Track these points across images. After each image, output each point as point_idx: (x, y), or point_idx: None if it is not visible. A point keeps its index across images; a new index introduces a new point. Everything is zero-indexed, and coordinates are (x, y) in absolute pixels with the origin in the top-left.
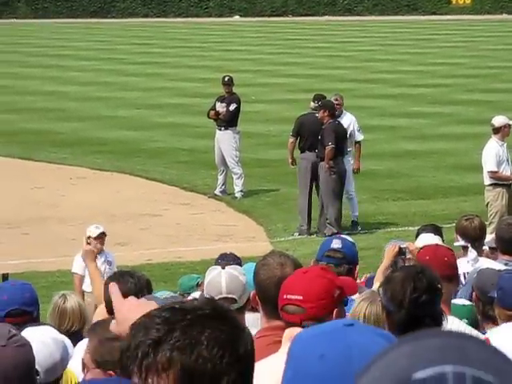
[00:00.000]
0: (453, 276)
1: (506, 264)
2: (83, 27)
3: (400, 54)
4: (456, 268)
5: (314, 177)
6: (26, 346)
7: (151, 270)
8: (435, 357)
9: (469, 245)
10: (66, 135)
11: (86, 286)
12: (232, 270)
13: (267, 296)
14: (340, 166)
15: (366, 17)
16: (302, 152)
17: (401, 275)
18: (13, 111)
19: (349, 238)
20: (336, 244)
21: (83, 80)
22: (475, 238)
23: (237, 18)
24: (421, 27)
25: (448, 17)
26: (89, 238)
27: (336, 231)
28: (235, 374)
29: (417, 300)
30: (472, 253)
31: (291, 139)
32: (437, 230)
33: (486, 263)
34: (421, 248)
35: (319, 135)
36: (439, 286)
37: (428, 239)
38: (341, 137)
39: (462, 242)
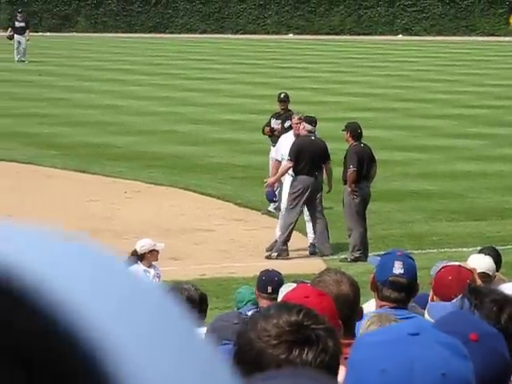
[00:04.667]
0: None
1: None
2: (142, 42)
3: (457, 75)
4: None
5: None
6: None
7: (204, 285)
8: None
9: None
10: (122, 149)
11: None
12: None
13: None
14: (363, 189)
15: (423, 37)
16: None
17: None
18: (70, 124)
19: (409, 256)
20: (399, 269)
21: (141, 94)
22: None
23: (290, 35)
24: (479, 48)
25: (506, 38)
26: (151, 251)
27: (358, 256)
28: None
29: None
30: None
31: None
32: (494, 252)
33: None
34: (442, 267)
35: (317, 157)
36: None
37: (478, 259)
38: (364, 159)
39: None
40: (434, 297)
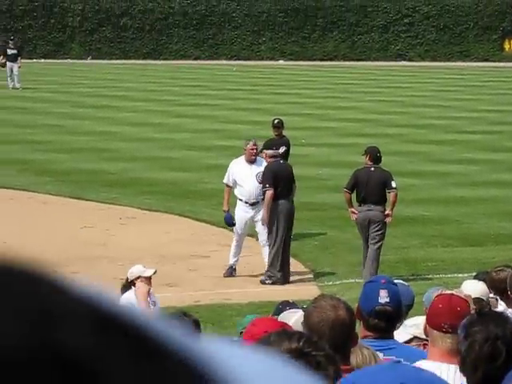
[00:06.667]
0: None
1: None
2: (136, 68)
3: (451, 100)
4: None
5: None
6: None
7: (199, 312)
8: None
9: (497, 297)
10: (116, 175)
11: None
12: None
13: (324, 338)
14: (360, 213)
15: (417, 62)
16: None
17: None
18: (64, 151)
19: (393, 283)
20: (384, 298)
21: (135, 121)
22: (502, 290)
23: (281, 61)
24: (473, 74)
25: (501, 64)
26: (139, 277)
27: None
28: None
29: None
30: (501, 305)
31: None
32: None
33: None
34: (436, 296)
35: (289, 180)
36: None
37: (472, 285)
38: (365, 183)
39: (491, 294)
40: (427, 326)
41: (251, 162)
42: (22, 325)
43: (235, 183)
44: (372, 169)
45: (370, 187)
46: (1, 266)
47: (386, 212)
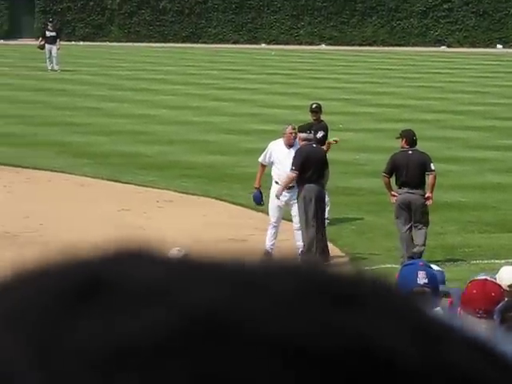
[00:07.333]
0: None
1: None
2: (174, 52)
3: (490, 87)
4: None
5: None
6: None
7: None
8: None
9: None
10: (154, 158)
11: None
12: None
13: None
14: (402, 194)
15: (456, 48)
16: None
17: None
18: (102, 133)
19: (429, 266)
20: (423, 279)
21: (173, 104)
22: None
23: (323, 46)
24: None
25: None
26: None
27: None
28: None
29: None
30: None
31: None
32: None
33: None
34: (469, 281)
35: (320, 165)
36: None
37: (509, 271)
38: (404, 166)
39: None
40: (461, 311)
41: (290, 145)
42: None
43: (272, 164)
44: (410, 152)
45: (410, 170)
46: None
47: (427, 195)
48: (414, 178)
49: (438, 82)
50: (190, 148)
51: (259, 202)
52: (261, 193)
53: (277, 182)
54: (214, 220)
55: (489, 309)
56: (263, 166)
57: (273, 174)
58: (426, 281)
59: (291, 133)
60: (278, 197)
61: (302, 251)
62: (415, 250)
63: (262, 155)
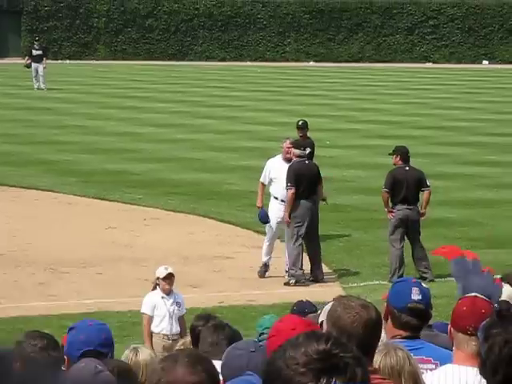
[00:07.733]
0: None
1: None
2: (161, 69)
3: (476, 103)
4: None
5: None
6: (113, 382)
7: (223, 313)
8: None
9: None
10: (140, 176)
11: (154, 327)
12: None
13: (355, 339)
14: (401, 211)
15: (442, 64)
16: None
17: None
18: (89, 151)
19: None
20: (416, 295)
21: (160, 122)
22: None
23: (311, 63)
24: (498, 76)
25: None
26: (157, 278)
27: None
28: None
29: None
30: None
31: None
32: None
33: None
34: (459, 298)
35: (313, 181)
36: None
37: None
38: (403, 183)
39: None
40: (452, 329)
41: (287, 160)
42: None
43: (270, 181)
44: (407, 168)
45: (409, 186)
46: None
47: (422, 211)
48: (412, 194)
49: (425, 98)
50: (177, 166)
51: (266, 219)
52: (265, 211)
53: (276, 198)
54: (200, 238)
55: (479, 326)
56: (264, 185)
57: (271, 190)
58: (420, 297)
59: (289, 147)
60: (287, 224)
61: (287, 266)
62: (425, 263)
63: (262, 175)
